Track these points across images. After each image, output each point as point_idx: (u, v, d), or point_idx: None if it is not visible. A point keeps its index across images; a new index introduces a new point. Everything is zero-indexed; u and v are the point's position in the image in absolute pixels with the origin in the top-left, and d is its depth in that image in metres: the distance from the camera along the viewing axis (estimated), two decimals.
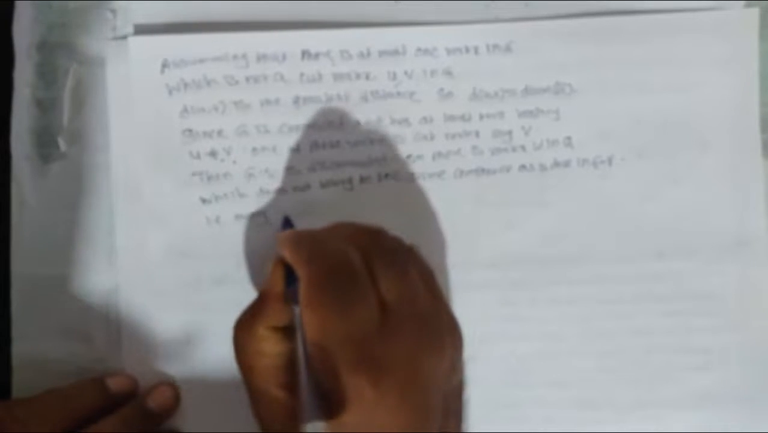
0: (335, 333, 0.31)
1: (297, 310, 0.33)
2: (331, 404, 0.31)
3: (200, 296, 0.39)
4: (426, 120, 0.39)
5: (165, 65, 0.38)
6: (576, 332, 0.40)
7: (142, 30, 0.39)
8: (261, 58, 0.39)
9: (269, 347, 0.33)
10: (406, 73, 0.39)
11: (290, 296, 0.34)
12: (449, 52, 0.39)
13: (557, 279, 0.40)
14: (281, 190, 0.39)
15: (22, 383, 0.38)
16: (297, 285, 0.33)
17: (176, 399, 0.38)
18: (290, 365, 0.33)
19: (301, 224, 0.38)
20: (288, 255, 0.34)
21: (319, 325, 0.31)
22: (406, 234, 0.36)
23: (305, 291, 0.32)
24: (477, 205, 0.40)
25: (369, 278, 0.32)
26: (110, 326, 0.39)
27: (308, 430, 0.30)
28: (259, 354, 0.34)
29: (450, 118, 0.39)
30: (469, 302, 0.39)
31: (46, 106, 0.39)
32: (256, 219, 0.39)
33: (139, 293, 0.39)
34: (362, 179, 0.39)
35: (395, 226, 0.36)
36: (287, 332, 0.34)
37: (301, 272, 0.32)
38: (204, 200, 0.39)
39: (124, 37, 0.39)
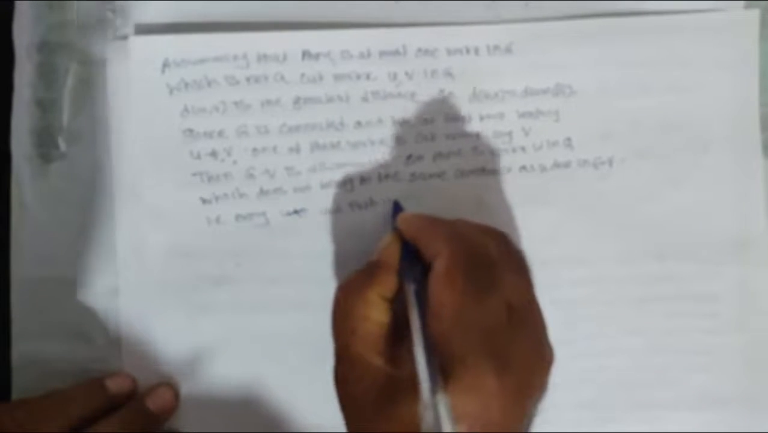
0: (468, 316, 0.31)
1: (411, 288, 0.33)
2: (446, 383, 0.30)
3: (200, 296, 0.39)
4: (426, 120, 0.39)
5: (165, 65, 0.38)
6: (575, 333, 0.40)
7: (142, 30, 0.39)
8: (261, 58, 0.38)
9: (376, 313, 0.33)
10: (406, 73, 0.39)
11: (401, 273, 0.34)
12: (450, 52, 0.39)
13: (557, 279, 0.40)
14: (281, 191, 0.39)
15: (22, 383, 0.38)
16: (412, 265, 0.33)
17: (176, 400, 0.38)
18: (390, 337, 0.33)
19: (302, 225, 0.38)
20: (422, 232, 0.34)
21: (454, 304, 0.31)
22: None
23: (445, 267, 0.32)
24: (477, 206, 0.40)
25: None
26: (110, 326, 0.39)
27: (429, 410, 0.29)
28: (364, 319, 0.33)
29: (450, 118, 0.39)
30: None
31: (46, 106, 0.39)
32: (256, 219, 0.39)
33: (139, 294, 0.39)
34: (362, 180, 0.39)
35: None
36: (392, 305, 0.34)
37: (441, 247, 0.32)
38: (204, 200, 0.39)
39: (125, 37, 0.38)
